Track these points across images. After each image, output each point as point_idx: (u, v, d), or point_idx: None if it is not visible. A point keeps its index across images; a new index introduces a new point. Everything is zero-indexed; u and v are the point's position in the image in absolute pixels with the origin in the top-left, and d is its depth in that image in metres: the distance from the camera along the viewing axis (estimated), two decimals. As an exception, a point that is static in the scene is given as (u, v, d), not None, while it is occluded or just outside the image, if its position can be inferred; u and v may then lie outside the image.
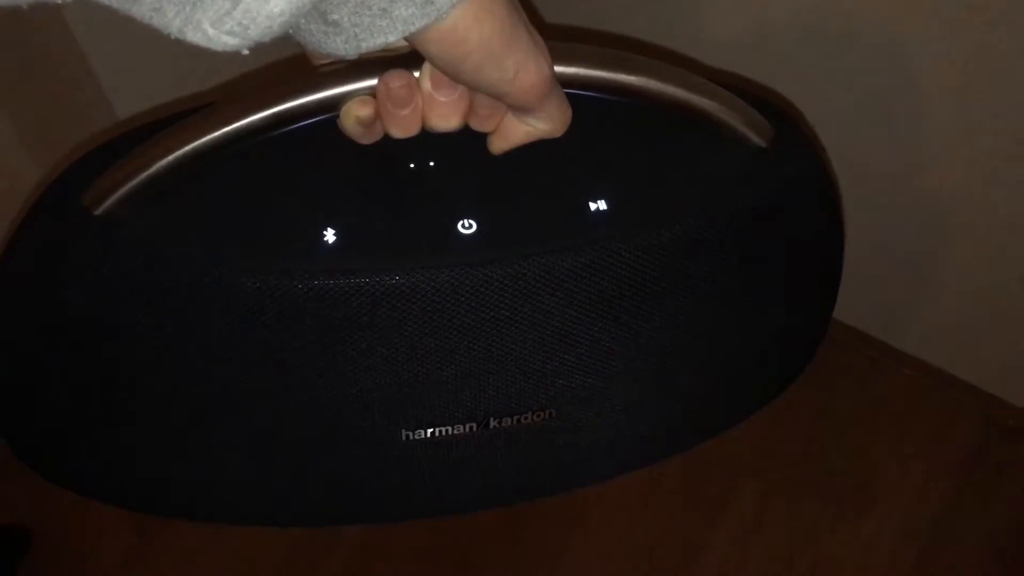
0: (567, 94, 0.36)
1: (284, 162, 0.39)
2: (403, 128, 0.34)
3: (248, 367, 0.38)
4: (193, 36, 0.26)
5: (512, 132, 0.36)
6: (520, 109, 0.35)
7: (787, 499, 0.84)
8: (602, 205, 0.40)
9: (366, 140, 0.35)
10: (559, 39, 0.36)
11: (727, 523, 0.83)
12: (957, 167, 0.72)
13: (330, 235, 0.37)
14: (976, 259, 0.78)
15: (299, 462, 0.42)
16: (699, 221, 0.40)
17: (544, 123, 0.36)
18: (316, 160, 0.39)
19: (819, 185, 0.45)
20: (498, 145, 0.37)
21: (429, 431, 0.41)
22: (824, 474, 0.86)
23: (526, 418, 0.42)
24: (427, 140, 0.40)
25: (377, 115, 0.34)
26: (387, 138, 0.38)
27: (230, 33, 0.26)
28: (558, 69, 0.35)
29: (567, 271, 0.38)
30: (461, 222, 0.38)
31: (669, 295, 0.40)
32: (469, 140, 0.40)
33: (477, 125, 0.36)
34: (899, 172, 0.75)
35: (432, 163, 0.41)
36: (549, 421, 0.43)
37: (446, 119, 0.34)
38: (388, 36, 0.29)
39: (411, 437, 0.41)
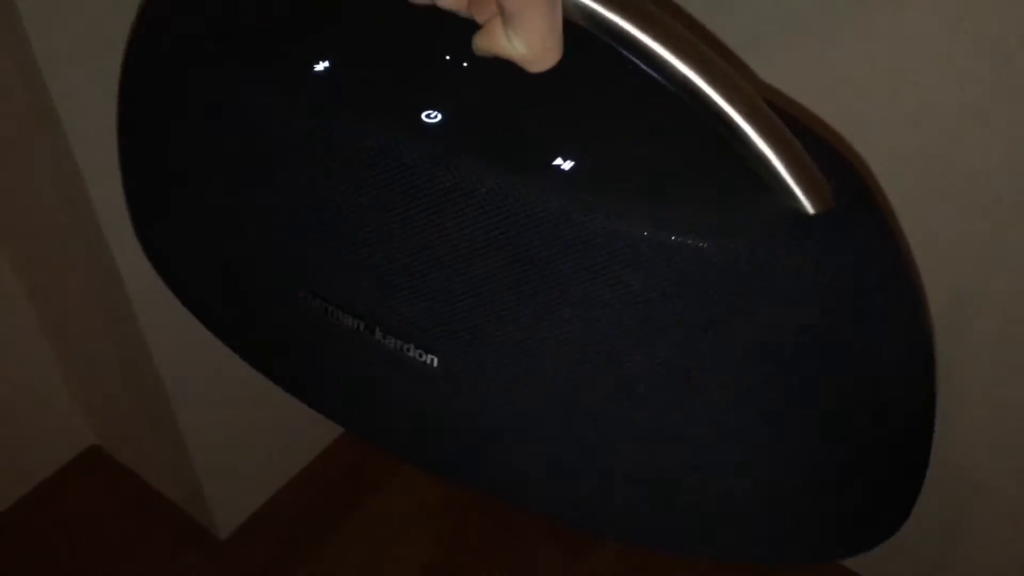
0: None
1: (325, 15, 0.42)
2: None
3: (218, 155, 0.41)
4: None
5: (490, 36, 0.33)
6: (502, 5, 0.32)
7: None
8: (565, 165, 0.34)
9: None
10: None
11: None
12: None
13: (319, 67, 0.39)
14: None
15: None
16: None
17: (519, 41, 0.32)
18: (354, 19, 0.41)
19: (889, 293, 0.34)
20: (477, 43, 0.34)
21: (323, 305, 0.40)
22: None
23: (409, 350, 0.38)
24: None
25: None
26: (437, 19, 0.37)
27: None
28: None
29: (477, 196, 0.34)
30: (428, 112, 0.36)
31: (577, 285, 0.33)
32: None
33: (473, 8, 0.34)
34: None
35: (465, 64, 0.39)
36: (432, 373, 0.38)
37: None
38: None
39: (306, 302, 0.40)
